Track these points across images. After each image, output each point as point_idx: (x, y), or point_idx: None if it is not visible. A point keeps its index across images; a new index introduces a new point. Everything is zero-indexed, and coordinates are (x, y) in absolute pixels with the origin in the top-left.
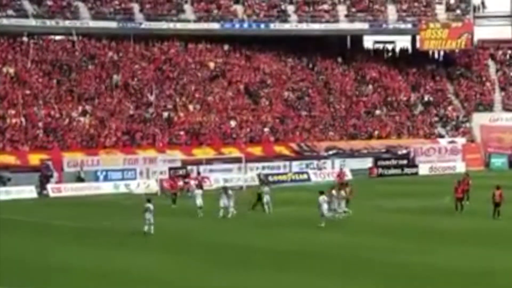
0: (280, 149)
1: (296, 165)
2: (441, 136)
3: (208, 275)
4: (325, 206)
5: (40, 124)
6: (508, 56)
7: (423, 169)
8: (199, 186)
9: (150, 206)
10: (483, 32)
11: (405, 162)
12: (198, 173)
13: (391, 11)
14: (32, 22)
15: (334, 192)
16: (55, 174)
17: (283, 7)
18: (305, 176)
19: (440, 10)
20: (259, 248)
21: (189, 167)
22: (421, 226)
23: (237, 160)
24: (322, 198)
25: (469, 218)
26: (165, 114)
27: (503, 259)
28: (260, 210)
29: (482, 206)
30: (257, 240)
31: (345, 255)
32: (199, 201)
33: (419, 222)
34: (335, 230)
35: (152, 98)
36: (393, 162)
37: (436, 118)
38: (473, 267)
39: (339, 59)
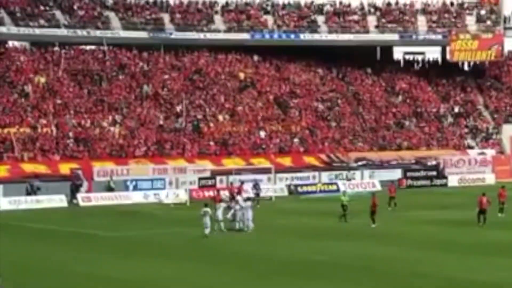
0: (309, 159)
1: (325, 176)
2: (471, 148)
3: (240, 285)
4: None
5: (71, 133)
6: None
7: (452, 181)
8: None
9: (208, 210)
10: None
11: (434, 173)
12: (231, 183)
13: (421, 22)
14: (63, 32)
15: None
16: (85, 184)
17: (313, 17)
18: (334, 187)
19: (470, 21)
20: (286, 259)
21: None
22: (449, 238)
23: (266, 170)
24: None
25: (499, 230)
26: (195, 124)
27: None
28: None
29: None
30: (279, 250)
31: (373, 266)
32: (219, 213)
33: (447, 234)
34: (364, 241)
35: (181, 108)
36: (423, 173)
37: (465, 130)
38: (498, 279)
39: (369, 70)
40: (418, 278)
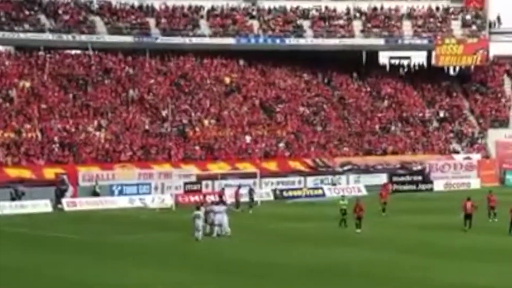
0: (295, 164)
1: (311, 181)
2: (456, 152)
3: None
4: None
5: (56, 138)
6: None
7: (438, 185)
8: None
9: (200, 213)
10: (498, 48)
11: (420, 178)
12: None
13: (407, 26)
14: (48, 36)
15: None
16: (70, 188)
17: (298, 22)
18: (319, 191)
19: (455, 26)
20: (273, 264)
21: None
22: (436, 243)
23: (252, 175)
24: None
25: (485, 234)
26: (180, 129)
27: None
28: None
29: (498, 222)
30: (270, 256)
31: (360, 271)
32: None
33: (434, 238)
34: (350, 246)
35: (166, 113)
36: (408, 178)
37: (451, 134)
38: (490, 284)
39: (355, 75)
40: (403, 283)
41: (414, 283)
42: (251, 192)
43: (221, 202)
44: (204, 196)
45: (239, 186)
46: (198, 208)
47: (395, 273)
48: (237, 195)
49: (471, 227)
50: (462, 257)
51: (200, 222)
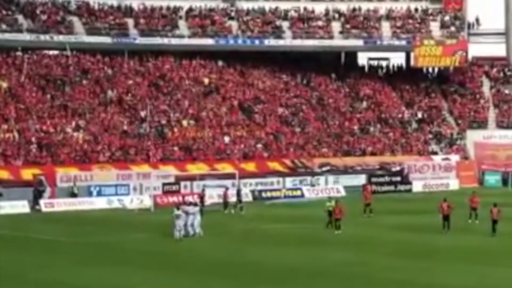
0: (273, 165)
1: (289, 181)
2: (435, 153)
3: None
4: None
5: (33, 139)
6: (502, 74)
7: (417, 186)
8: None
9: (181, 213)
10: (477, 49)
11: (398, 179)
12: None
13: (386, 27)
14: (26, 36)
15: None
16: (48, 189)
17: (277, 23)
18: (298, 192)
19: (434, 27)
20: (252, 265)
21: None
22: (415, 244)
23: (230, 176)
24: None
25: (465, 235)
26: (159, 129)
27: (498, 276)
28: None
29: (476, 223)
30: (250, 256)
31: (339, 272)
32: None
33: (413, 239)
34: (329, 247)
35: (145, 113)
36: (387, 179)
37: (430, 135)
38: (470, 285)
39: (333, 76)
40: (383, 284)
41: (394, 284)
42: (239, 193)
43: (194, 203)
44: (183, 196)
45: (227, 188)
46: (178, 208)
47: (374, 274)
48: (225, 196)
49: (449, 228)
50: (442, 258)
51: (180, 222)
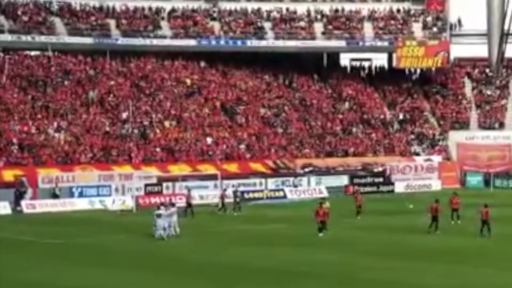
0: (256, 166)
1: (272, 182)
2: (417, 154)
3: None
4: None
5: (15, 140)
6: (484, 75)
7: (399, 187)
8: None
9: (162, 212)
10: (459, 50)
11: (381, 179)
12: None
13: (368, 28)
14: (7, 37)
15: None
16: (30, 190)
17: (259, 24)
18: (281, 193)
19: (416, 28)
20: (235, 266)
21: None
22: (398, 244)
23: (213, 177)
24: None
25: (448, 236)
26: (141, 130)
27: (480, 276)
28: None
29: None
30: (232, 257)
31: (322, 272)
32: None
33: (396, 239)
34: (310, 248)
35: (127, 114)
36: (369, 179)
37: (412, 136)
38: (449, 284)
39: (316, 76)
40: (366, 285)
41: (377, 284)
42: (236, 194)
43: (172, 204)
44: (171, 197)
45: (225, 189)
46: (159, 208)
47: (358, 274)
48: (222, 197)
49: (437, 228)
50: (425, 258)
51: (161, 221)
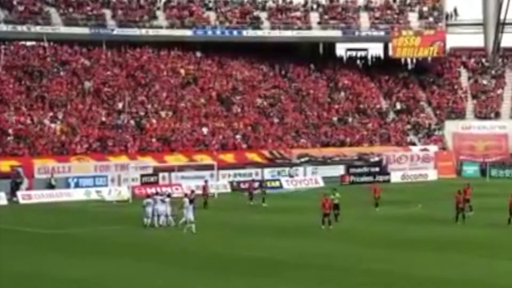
0: (252, 156)
1: (268, 172)
2: (413, 144)
3: (186, 282)
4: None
5: (11, 130)
6: (480, 64)
7: (395, 177)
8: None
9: (150, 201)
10: (455, 40)
11: (377, 169)
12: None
13: (364, 18)
14: (3, 27)
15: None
16: (26, 181)
17: (255, 14)
18: (277, 183)
19: (412, 17)
20: (233, 256)
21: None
22: (394, 234)
23: (209, 167)
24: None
25: (448, 227)
26: (137, 120)
27: (478, 266)
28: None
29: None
30: (229, 248)
31: (321, 263)
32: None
33: (392, 229)
34: (307, 238)
35: (123, 104)
36: (365, 169)
37: (408, 126)
38: (449, 275)
39: (312, 66)
40: (365, 275)
41: (376, 275)
42: (262, 184)
43: (168, 194)
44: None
45: (253, 180)
46: (148, 197)
47: (357, 265)
48: (250, 187)
49: (464, 219)
50: (423, 248)
51: (149, 210)
